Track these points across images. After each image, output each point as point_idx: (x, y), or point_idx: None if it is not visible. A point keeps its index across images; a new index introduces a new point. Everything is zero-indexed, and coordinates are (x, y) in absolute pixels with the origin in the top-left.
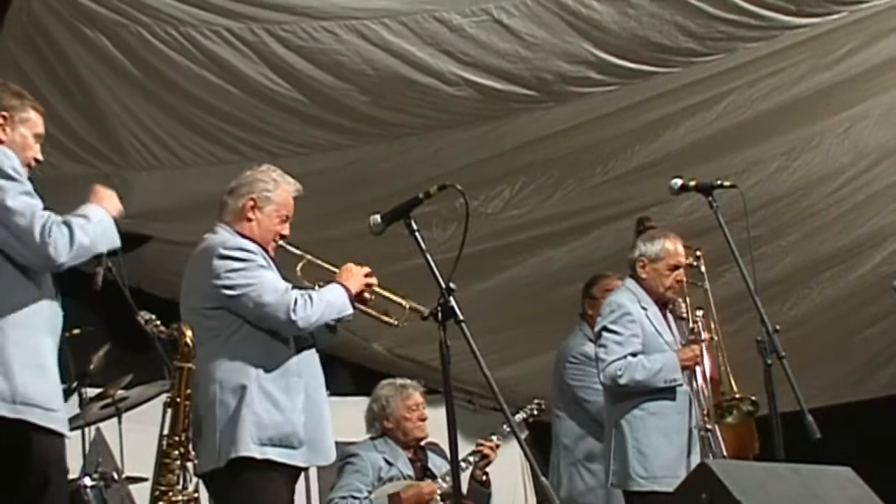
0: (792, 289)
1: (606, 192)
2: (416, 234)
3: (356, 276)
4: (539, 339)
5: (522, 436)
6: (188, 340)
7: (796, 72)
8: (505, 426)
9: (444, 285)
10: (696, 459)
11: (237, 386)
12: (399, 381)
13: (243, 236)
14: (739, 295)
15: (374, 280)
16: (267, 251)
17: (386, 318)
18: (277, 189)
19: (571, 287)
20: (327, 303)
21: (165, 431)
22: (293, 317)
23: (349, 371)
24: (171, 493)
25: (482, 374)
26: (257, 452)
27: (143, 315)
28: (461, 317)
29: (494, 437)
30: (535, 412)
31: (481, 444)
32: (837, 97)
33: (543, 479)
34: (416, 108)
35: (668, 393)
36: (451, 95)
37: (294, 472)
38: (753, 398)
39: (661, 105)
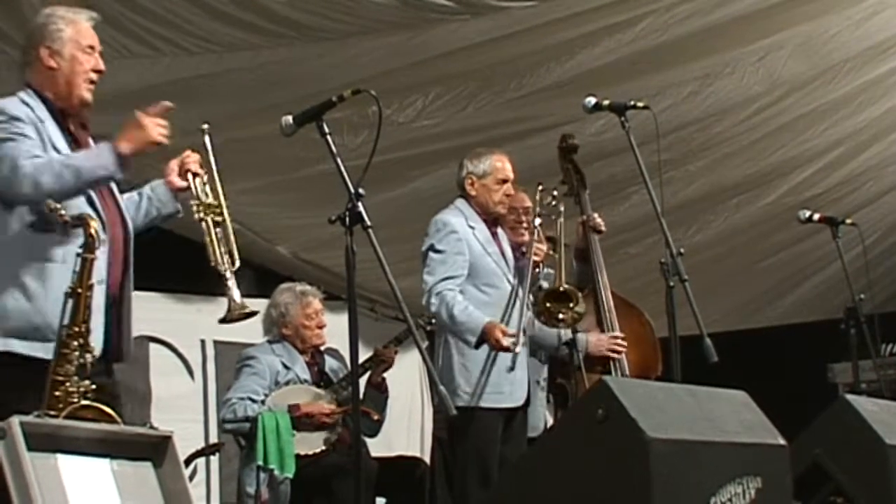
0: (698, 214)
1: (520, 107)
2: (328, 137)
3: (138, 132)
4: None
5: (423, 345)
6: (93, 231)
7: None
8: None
9: (352, 190)
10: (521, 374)
11: None
12: (298, 286)
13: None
14: (645, 217)
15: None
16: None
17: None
18: (70, 26)
19: None
20: (73, 168)
21: (66, 322)
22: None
23: (252, 273)
24: (68, 384)
25: (386, 282)
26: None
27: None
28: (368, 223)
29: (392, 345)
30: (434, 322)
31: (379, 351)
32: (754, 25)
33: (441, 387)
34: (333, 12)
35: (496, 310)
36: (370, 1)
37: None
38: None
39: (578, 24)
